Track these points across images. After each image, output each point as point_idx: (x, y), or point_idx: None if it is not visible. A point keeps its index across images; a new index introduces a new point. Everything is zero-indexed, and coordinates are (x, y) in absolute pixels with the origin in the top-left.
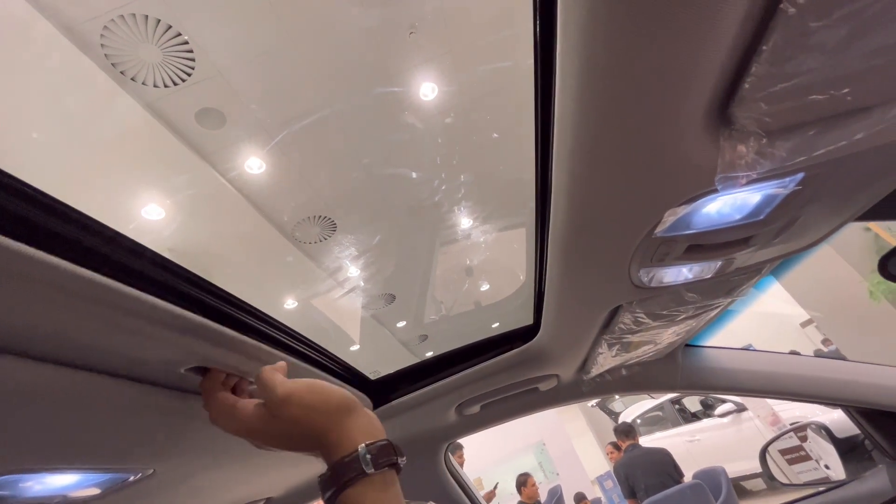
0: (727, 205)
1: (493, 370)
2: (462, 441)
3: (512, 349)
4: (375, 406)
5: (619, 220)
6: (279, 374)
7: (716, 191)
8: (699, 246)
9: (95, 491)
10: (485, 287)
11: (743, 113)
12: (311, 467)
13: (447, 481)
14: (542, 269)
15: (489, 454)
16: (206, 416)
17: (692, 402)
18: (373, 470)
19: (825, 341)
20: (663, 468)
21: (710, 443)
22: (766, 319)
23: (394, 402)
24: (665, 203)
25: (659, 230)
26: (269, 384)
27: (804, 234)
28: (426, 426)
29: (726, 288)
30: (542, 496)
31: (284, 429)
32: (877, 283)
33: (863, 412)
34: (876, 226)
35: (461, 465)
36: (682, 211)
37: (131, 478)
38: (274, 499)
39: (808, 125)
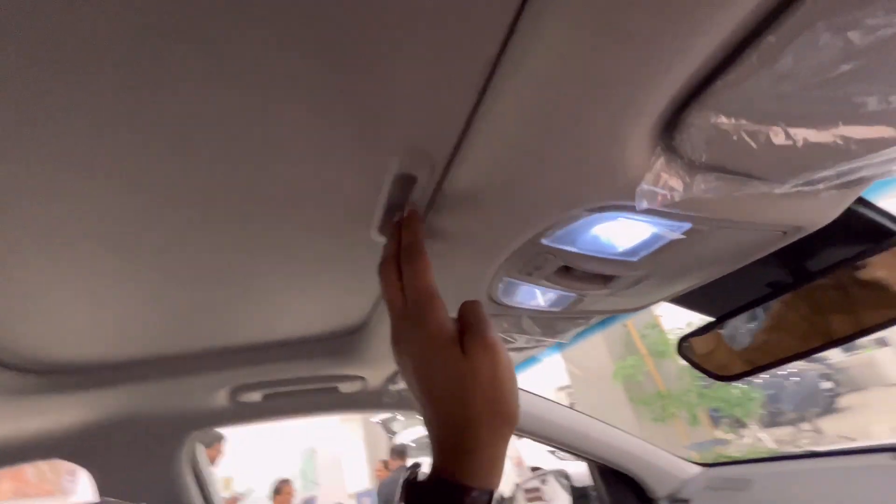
0: (615, 233)
1: (290, 354)
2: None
3: (326, 336)
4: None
5: (514, 209)
6: None
7: (630, 208)
8: (569, 270)
9: None
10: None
11: (688, 126)
12: None
13: (183, 479)
14: None
15: (251, 451)
16: None
17: None
18: None
19: (572, 405)
20: None
21: None
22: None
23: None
24: (571, 202)
25: (546, 237)
26: (485, 321)
27: (639, 295)
28: (175, 404)
29: (557, 328)
30: None
31: (456, 371)
32: (619, 368)
33: (599, 466)
34: (632, 325)
35: (215, 458)
36: (580, 219)
37: None
38: None
39: (730, 170)
